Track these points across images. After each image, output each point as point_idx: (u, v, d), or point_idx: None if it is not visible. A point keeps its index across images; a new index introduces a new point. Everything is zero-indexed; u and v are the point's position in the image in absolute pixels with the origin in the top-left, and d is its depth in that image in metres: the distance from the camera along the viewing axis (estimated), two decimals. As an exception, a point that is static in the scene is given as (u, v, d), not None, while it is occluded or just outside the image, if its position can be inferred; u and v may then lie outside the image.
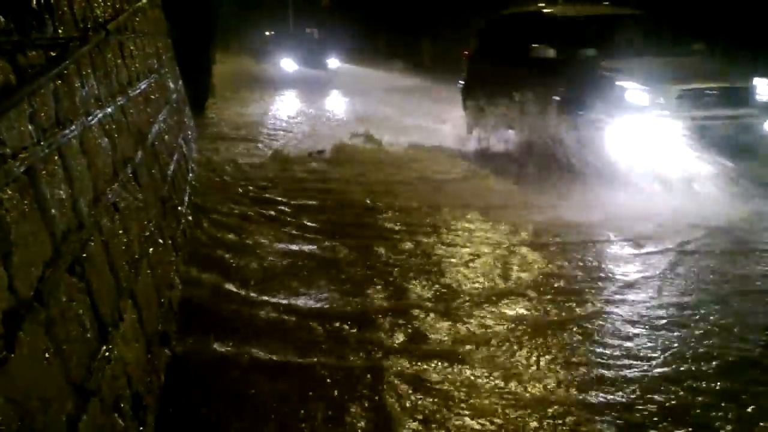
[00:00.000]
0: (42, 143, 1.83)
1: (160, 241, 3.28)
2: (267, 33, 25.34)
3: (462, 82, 9.78)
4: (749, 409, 2.67)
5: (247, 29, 36.65)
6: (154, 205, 3.32)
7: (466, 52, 9.94)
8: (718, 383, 2.86)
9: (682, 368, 3.00)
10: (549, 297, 3.88)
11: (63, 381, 1.63)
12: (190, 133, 7.04)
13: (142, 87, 3.90)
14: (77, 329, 1.79)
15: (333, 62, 20.78)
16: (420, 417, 2.63)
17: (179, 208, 4.36)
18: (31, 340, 1.48)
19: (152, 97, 4.24)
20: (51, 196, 1.81)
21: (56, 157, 1.93)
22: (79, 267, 1.90)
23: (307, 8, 33.87)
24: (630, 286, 4.07)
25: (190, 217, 4.82)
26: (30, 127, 1.77)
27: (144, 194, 3.10)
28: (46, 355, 1.56)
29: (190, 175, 5.77)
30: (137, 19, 4.36)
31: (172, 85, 5.88)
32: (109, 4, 3.32)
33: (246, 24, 36.42)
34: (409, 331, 3.42)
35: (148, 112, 3.92)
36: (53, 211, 1.81)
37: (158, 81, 4.80)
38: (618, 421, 2.60)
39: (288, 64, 20.49)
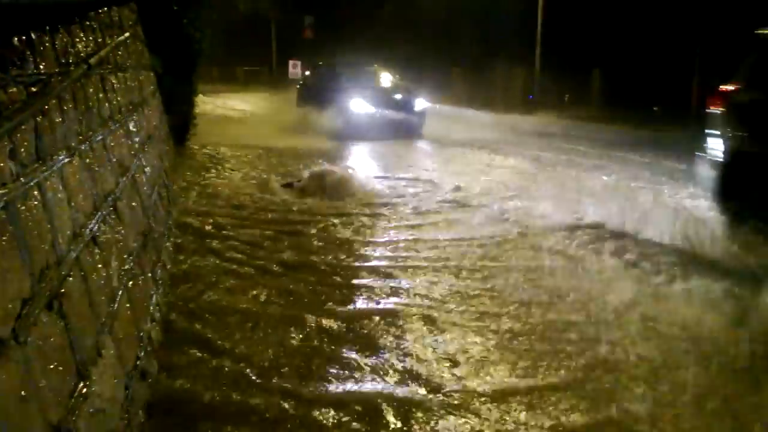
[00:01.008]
0: (21, 179, 1.83)
1: (140, 274, 3.26)
2: (319, 64, 18.18)
3: (719, 149, 5.68)
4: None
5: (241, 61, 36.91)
6: (134, 238, 3.31)
7: (721, 91, 5.87)
8: None
9: None
10: None
11: (40, 420, 1.61)
12: (171, 165, 7.03)
13: (124, 120, 3.91)
14: (55, 367, 1.77)
15: (420, 102, 15.08)
16: None
17: (160, 240, 4.34)
18: (8, 380, 1.46)
19: (134, 130, 4.25)
20: (29, 232, 1.81)
21: (36, 193, 1.93)
22: (58, 303, 1.89)
23: (291, 40, 34.23)
24: None
25: (171, 249, 4.80)
26: (9, 163, 1.77)
27: (124, 228, 3.08)
28: (23, 394, 1.54)
29: (172, 208, 5.75)
30: (119, 52, 4.39)
31: (154, 118, 5.89)
32: (91, 38, 3.34)
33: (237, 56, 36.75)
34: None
35: (130, 145, 3.92)
36: (32, 247, 1.80)
37: (140, 114, 4.81)
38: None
39: (360, 105, 14.12)
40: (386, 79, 16.21)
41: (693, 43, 16.56)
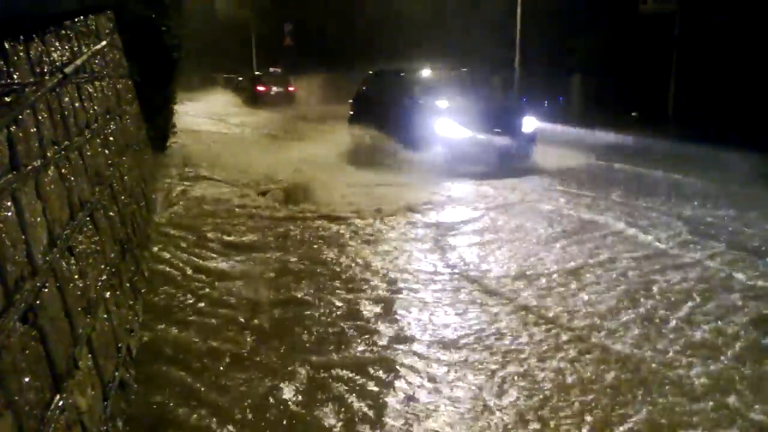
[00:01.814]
0: (-5, 190, 1.81)
1: (118, 284, 3.23)
2: (369, 73, 13.37)
3: None
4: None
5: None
6: (111, 248, 3.28)
7: None
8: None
9: None
10: None
11: (14, 433, 1.59)
12: (150, 173, 6.98)
13: (101, 129, 3.88)
14: (30, 379, 1.75)
15: (530, 122, 10.60)
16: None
17: (139, 250, 4.30)
18: (-19, 393, 1.45)
19: (111, 138, 4.22)
20: (3, 242, 1.79)
21: (9, 203, 1.91)
22: (33, 315, 1.87)
23: (271, 48, 34.15)
24: None
25: (150, 259, 4.76)
26: (-18, 174, 1.76)
27: (101, 237, 3.06)
28: (-3, 407, 1.52)
29: (150, 217, 5.70)
30: (96, 61, 4.36)
31: (131, 126, 5.85)
32: (66, 47, 3.32)
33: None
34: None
35: (107, 154, 3.89)
36: (6, 258, 1.78)
37: (117, 123, 4.77)
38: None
39: (449, 127, 9.95)
40: (480, 88, 12.13)
41: (669, 49, 16.81)
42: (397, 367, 3.37)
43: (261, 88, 25.86)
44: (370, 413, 2.91)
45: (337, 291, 4.52)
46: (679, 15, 16.66)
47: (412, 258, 5.40)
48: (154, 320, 3.79)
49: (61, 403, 1.92)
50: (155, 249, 5.17)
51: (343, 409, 2.94)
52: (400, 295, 4.47)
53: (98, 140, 3.69)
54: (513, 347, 3.64)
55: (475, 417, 2.91)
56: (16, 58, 2.31)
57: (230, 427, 2.76)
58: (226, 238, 5.76)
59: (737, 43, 14.54)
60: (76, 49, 3.58)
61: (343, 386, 3.14)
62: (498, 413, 2.93)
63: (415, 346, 3.63)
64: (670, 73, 16.93)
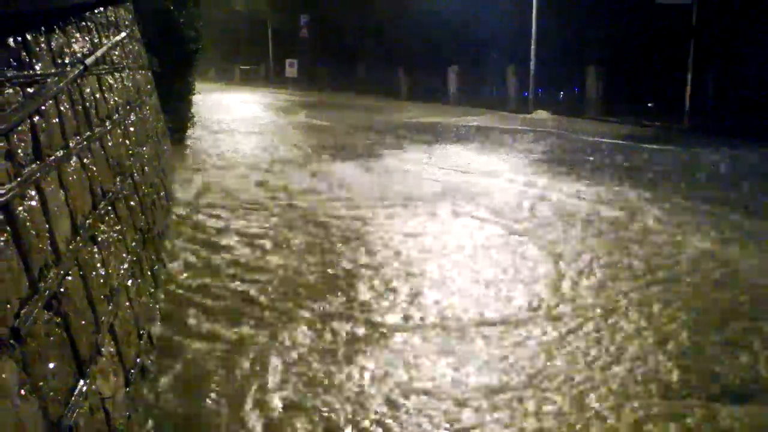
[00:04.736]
0: (19, 179, 1.84)
1: (140, 273, 3.27)
2: None
3: None
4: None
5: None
6: (132, 237, 3.32)
7: None
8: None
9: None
10: None
11: (40, 418, 1.62)
12: (168, 163, 7.04)
13: (122, 120, 3.92)
14: (55, 365, 1.79)
15: None
16: None
17: (158, 239, 4.35)
18: (7, 378, 1.48)
19: (131, 129, 4.26)
20: (28, 231, 1.82)
21: (33, 192, 1.94)
22: (57, 302, 1.90)
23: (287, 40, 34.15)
24: None
25: (170, 248, 4.81)
26: (7, 164, 1.78)
27: (123, 226, 3.10)
28: (23, 392, 1.55)
29: (170, 206, 5.76)
30: (116, 52, 4.39)
31: (151, 117, 5.90)
32: (87, 38, 3.35)
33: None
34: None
35: (127, 145, 3.93)
36: (30, 246, 1.81)
37: (137, 113, 4.81)
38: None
39: None
40: None
41: (687, 39, 16.57)
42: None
43: None
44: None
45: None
46: (697, 5, 16.40)
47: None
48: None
49: (84, 388, 1.96)
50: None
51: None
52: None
53: (119, 131, 3.73)
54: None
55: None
56: (37, 49, 2.34)
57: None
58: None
59: (755, 32, 14.29)
60: (96, 40, 3.61)
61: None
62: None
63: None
64: (687, 63, 16.70)
